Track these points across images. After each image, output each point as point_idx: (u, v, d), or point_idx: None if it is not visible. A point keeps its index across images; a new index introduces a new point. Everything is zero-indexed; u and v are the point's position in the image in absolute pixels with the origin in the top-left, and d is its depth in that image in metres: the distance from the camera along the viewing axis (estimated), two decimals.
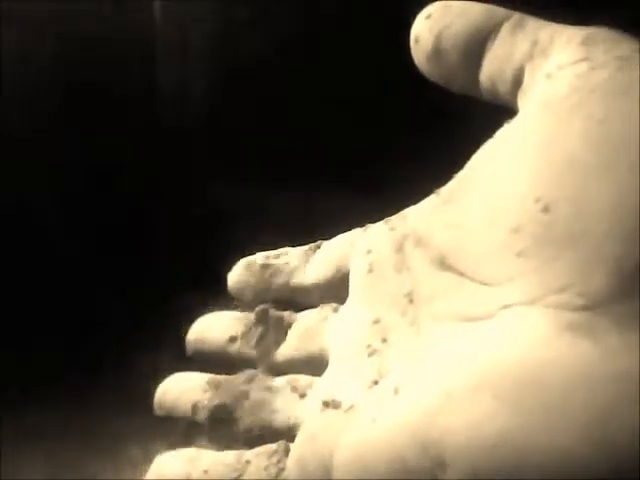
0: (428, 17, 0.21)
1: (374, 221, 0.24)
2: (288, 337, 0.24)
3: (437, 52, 0.21)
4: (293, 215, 0.51)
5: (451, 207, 0.21)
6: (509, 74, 0.21)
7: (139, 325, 0.50)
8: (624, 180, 0.18)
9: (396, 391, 0.20)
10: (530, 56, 0.21)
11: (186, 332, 0.25)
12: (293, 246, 0.27)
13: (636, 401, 0.16)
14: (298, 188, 0.51)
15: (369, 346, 0.21)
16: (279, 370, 0.24)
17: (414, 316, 0.21)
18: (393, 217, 0.24)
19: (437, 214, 0.22)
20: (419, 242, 0.22)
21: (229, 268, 0.28)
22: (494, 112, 0.21)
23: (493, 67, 0.21)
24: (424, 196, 0.23)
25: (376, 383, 0.20)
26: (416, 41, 0.22)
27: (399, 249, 0.22)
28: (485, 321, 0.19)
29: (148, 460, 0.46)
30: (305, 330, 0.24)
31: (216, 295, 0.48)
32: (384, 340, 0.21)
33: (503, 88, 0.21)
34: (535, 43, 0.21)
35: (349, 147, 0.51)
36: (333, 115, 0.52)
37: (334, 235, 0.26)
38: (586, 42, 0.20)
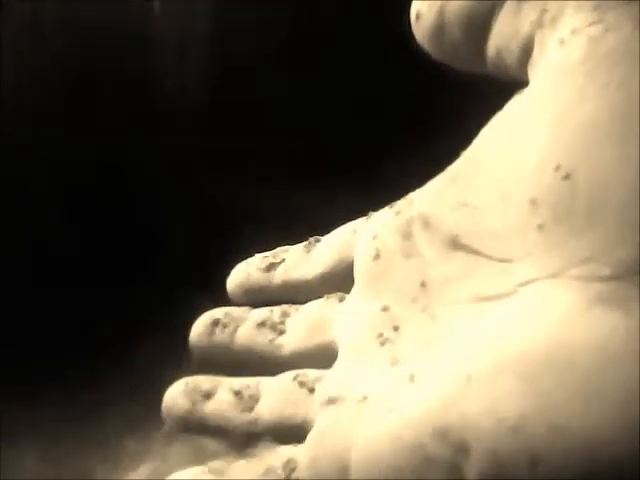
0: None
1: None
2: (294, 329, 0.23)
3: (439, 28, 0.20)
4: (292, 214, 0.51)
5: (460, 186, 0.20)
6: (517, 45, 0.20)
7: (138, 323, 0.50)
8: None
9: (412, 379, 0.19)
10: (539, 24, 0.20)
11: (184, 329, 0.25)
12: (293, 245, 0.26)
13: None
14: (298, 188, 0.51)
15: (380, 335, 0.20)
16: (287, 364, 0.23)
17: (426, 301, 0.20)
18: (398, 201, 0.23)
19: (445, 194, 0.21)
20: (427, 225, 0.21)
21: (230, 267, 0.27)
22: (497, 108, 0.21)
23: (500, 39, 0.20)
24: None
25: (390, 372, 0.20)
26: (417, 18, 0.21)
27: (406, 233, 0.22)
28: (505, 299, 0.18)
29: (145, 454, 0.46)
30: (311, 321, 0.23)
31: (217, 295, 0.48)
32: (396, 328, 0.20)
33: (511, 60, 0.20)
34: (544, 11, 0.20)
35: (350, 147, 0.51)
36: (334, 114, 0.52)
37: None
38: (598, 6, 0.19)
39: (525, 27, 0.20)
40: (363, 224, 0.24)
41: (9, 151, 0.53)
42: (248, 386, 0.23)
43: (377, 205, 0.24)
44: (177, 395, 0.24)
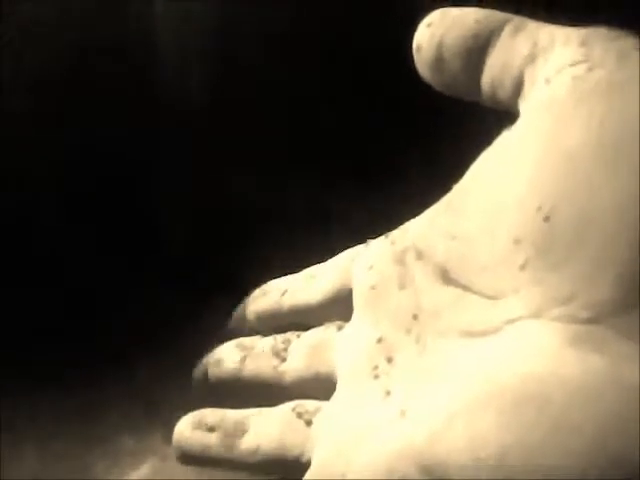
0: (429, 25, 0.21)
1: (383, 225, 0.24)
2: (294, 358, 0.24)
3: (439, 60, 0.21)
4: (304, 214, 0.51)
5: (451, 217, 0.21)
6: (509, 79, 0.20)
7: (138, 322, 0.51)
8: (626, 184, 0.18)
9: (402, 413, 0.20)
10: (530, 60, 0.20)
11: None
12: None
13: None
14: (306, 187, 0.51)
15: (375, 367, 0.21)
16: (289, 392, 0.24)
17: (419, 333, 0.20)
18: (394, 231, 0.23)
19: (438, 225, 0.21)
20: (420, 255, 0.21)
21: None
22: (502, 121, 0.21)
23: (494, 72, 0.21)
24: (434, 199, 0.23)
25: (383, 405, 0.20)
26: (418, 50, 0.21)
27: (401, 263, 0.22)
28: (491, 336, 0.19)
29: (144, 452, 0.46)
30: (310, 351, 0.24)
31: (217, 295, 0.48)
32: (389, 360, 0.21)
33: (504, 94, 0.21)
34: (535, 46, 0.20)
35: (357, 144, 0.51)
36: (335, 113, 0.52)
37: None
38: (584, 42, 0.20)
39: (517, 61, 0.20)
40: (361, 252, 0.24)
41: (5, 151, 0.53)
42: (249, 417, 0.24)
43: (392, 205, 0.24)
44: (185, 429, 0.26)
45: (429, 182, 0.23)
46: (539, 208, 0.18)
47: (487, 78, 0.21)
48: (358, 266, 0.24)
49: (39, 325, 0.52)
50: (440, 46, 0.21)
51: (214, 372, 0.27)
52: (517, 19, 0.21)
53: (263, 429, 0.24)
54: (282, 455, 0.23)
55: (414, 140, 0.47)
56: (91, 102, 0.54)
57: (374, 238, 0.24)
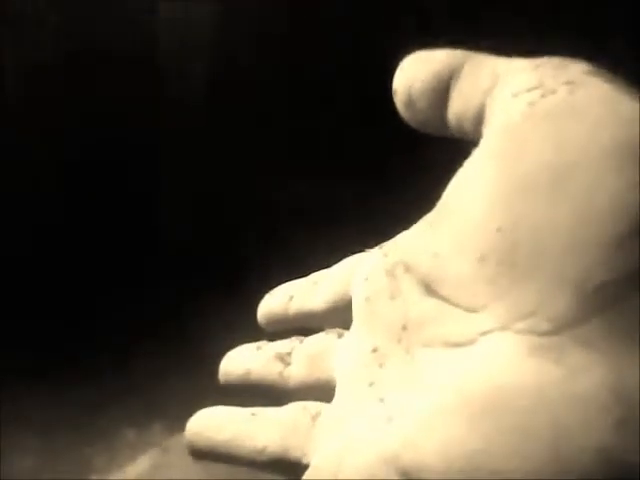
0: (401, 70, 0.23)
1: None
2: (297, 363, 0.25)
3: (410, 101, 0.23)
4: (304, 214, 0.51)
5: (430, 235, 0.22)
6: (472, 111, 0.22)
7: (138, 322, 0.51)
8: (578, 204, 0.19)
9: (389, 419, 0.21)
10: (489, 90, 0.21)
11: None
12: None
13: (598, 420, 0.17)
14: (307, 187, 0.52)
15: (370, 375, 0.22)
16: (293, 395, 0.25)
17: (408, 343, 0.22)
18: (386, 243, 0.24)
19: (421, 241, 0.22)
20: (408, 269, 0.23)
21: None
22: None
23: (458, 107, 0.22)
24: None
25: (376, 411, 0.22)
26: (394, 93, 0.23)
27: (392, 275, 0.23)
28: (467, 347, 0.20)
29: (144, 444, 0.47)
30: (312, 357, 0.25)
31: (217, 296, 0.49)
32: (383, 368, 0.22)
33: (469, 125, 0.22)
34: (493, 77, 0.21)
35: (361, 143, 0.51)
36: (337, 112, 0.52)
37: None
38: (538, 70, 0.21)
39: (478, 94, 0.21)
40: (359, 262, 0.25)
41: (5, 151, 0.53)
42: (257, 416, 0.25)
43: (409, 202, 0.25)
44: (196, 426, 0.27)
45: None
46: (499, 228, 0.20)
47: (452, 113, 0.22)
48: (356, 277, 0.25)
49: (39, 324, 0.52)
50: (410, 88, 0.23)
51: (224, 374, 0.28)
52: (476, 55, 0.22)
53: (269, 429, 0.25)
54: (285, 456, 0.24)
55: (416, 143, 0.48)
56: (92, 102, 0.54)
57: (372, 247, 0.25)
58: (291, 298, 0.27)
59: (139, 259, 0.54)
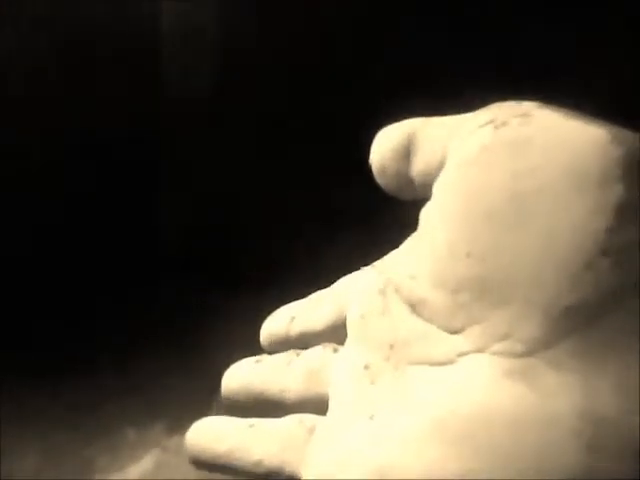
0: (375, 144, 0.24)
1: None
2: (294, 376, 0.26)
3: (382, 170, 0.24)
4: (304, 214, 0.51)
5: (412, 257, 0.23)
6: (434, 164, 0.23)
7: (139, 321, 0.51)
8: (541, 229, 0.20)
9: (377, 437, 0.21)
10: (447, 141, 0.23)
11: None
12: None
13: (569, 442, 0.18)
14: (307, 187, 0.52)
15: (361, 393, 0.23)
16: (291, 409, 0.26)
17: (396, 361, 0.23)
18: (379, 261, 0.25)
19: (404, 262, 0.24)
20: (396, 288, 0.24)
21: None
22: None
23: (421, 165, 0.23)
24: None
25: (367, 428, 0.22)
26: (371, 166, 0.25)
27: (383, 294, 0.24)
28: (448, 367, 0.21)
29: (145, 444, 0.47)
30: (308, 372, 0.26)
31: (217, 296, 0.49)
32: (373, 386, 0.23)
33: (433, 178, 0.23)
34: (449, 129, 0.23)
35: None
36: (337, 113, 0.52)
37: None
38: (489, 109, 0.22)
39: (438, 147, 0.23)
40: (355, 281, 0.26)
41: (6, 151, 0.53)
42: (256, 428, 0.26)
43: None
44: (196, 436, 0.27)
45: None
46: (468, 256, 0.21)
47: (417, 172, 0.24)
48: (351, 295, 0.26)
49: (40, 324, 0.52)
50: (381, 158, 0.24)
51: (226, 390, 0.29)
52: (433, 118, 0.24)
53: (266, 442, 0.26)
54: (281, 470, 0.25)
55: None
56: (92, 102, 0.54)
57: (368, 264, 0.26)
58: (292, 320, 0.27)
59: (139, 259, 0.54)
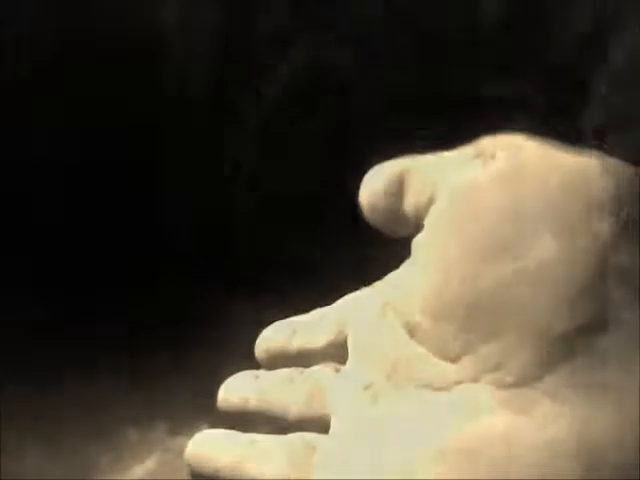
0: (363, 184, 0.25)
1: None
2: (296, 396, 0.26)
3: (372, 210, 0.25)
4: (304, 215, 0.52)
5: (407, 283, 0.24)
6: (425, 202, 0.23)
7: (138, 320, 0.51)
8: (531, 258, 0.20)
9: (379, 458, 0.22)
10: (437, 180, 0.23)
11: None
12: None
13: (567, 467, 0.18)
14: (306, 188, 0.52)
15: (363, 412, 0.23)
16: (292, 427, 0.26)
17: (397, 382, 0.23)
18: (379, 282, 0.26)
19: (401, 286, 0.24)
20: (395, 311, 0.24)
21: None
22: None
23: (412, 204, 0.24)
24: None
25: (368, 452, 0.23)
26: (360, 205, 0.25)
27: (384, 315, 0.24)
28: (444, 392, 0.21)
29: (148, 444, 0.47)
30: (309, 392, 0.26)
31: (216, 295, 0.49)
32: (375, 406, 0.23)
33: (423, 215, 0.24)
34: (438, 166, 0.23)
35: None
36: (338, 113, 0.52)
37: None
38: (476, 145, 0.23)
39: (428, 185, 0.23)
40: (356, 301, 0.26)
41: (6, 151, 0.53)
42: (258, 445, 0.26)
43: None
44: (196, 449, 0.28)
45: None
46: (459, 289, 0.21)
47: (408, 209, 0.24)
48: (352, 314, 0.26)
49: (40, 324, 0.52)
50: (370, 198, 0.25)
51: (222, 402, 0.29)
52: (417, 159, 0.24)
53: (267, 460, 0.26)
54: None
55: None
56: (92, 102, 0.54)
57: (369, 284, 0.26)
58: (292, 335, 0.28)
59: (139, 259, 0.54)
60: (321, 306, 0.28)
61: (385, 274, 0.26)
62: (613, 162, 0.21)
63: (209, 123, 0.55)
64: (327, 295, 0.28)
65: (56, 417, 0.51)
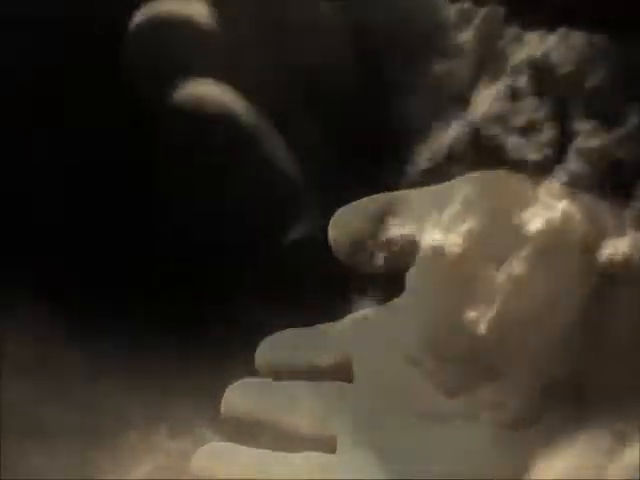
0: (332, 223, 0.25)
1: None
2: (301, 414, 0.26)
3: (339, 248, 0.26)
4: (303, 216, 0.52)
5: (405, 317, 0.24)
6: (410, 241, 0.24)
7: (139, 319, 0.51)
8: (523, 310, 0.21)
9: None
10: (421, 219, 0.24)
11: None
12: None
13: None
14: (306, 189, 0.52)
15: (368, 436, 0.23)
16: (301, 445, 0.26)
17: (402, 408, 0.23)
18: (383, 307, 0.26)
19: (400, 318, 0.24)
20: (397, 342, 0.24)
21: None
22: None
23: (395, 243, 0.24)
24: None
25: (373, 474, 0.23)
26: (332, 243, 0.25)
27: (388, 343, 0.25)
28: (446, 426, 0.22)
29: (147, 447, 0.47)
30: (314, 414, 0.26)
31: (216, 295, 0.49)
32: (379, 431, 0.23)
33: (410, 260, 0.24)
34: (422, 213, 0.24)
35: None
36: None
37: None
38: (462, 179, 0.24)
39: (410, 224, 0.23)
40: (359, 323, 0.27)
41: (5, 151, 0.53)
42: (266, 463, 0.26)
43: None
44: (201, 462, 0.28)
45: None
46: (455, 326, 0.23)
47: (390, 246, 0.25)
48: (357, 338, 0.26)
49: (39, 324, 0.52)
50: (339, 238, 0.26)
51: (226, 408, 0.29)
52: (395, 195, 0.26)
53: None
54: None
55: None
56: (91, 102, 0.54)
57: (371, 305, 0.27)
58: (297, 349, 0.28)
59: (139, 259, 0.54)
60: (325, 310, 0.28)
61: (388, 287, 0.26)
62: (589, 204, 0.22)
63: None
64: (331, 300, 0.28)
65: (56, 418, 0.51)
